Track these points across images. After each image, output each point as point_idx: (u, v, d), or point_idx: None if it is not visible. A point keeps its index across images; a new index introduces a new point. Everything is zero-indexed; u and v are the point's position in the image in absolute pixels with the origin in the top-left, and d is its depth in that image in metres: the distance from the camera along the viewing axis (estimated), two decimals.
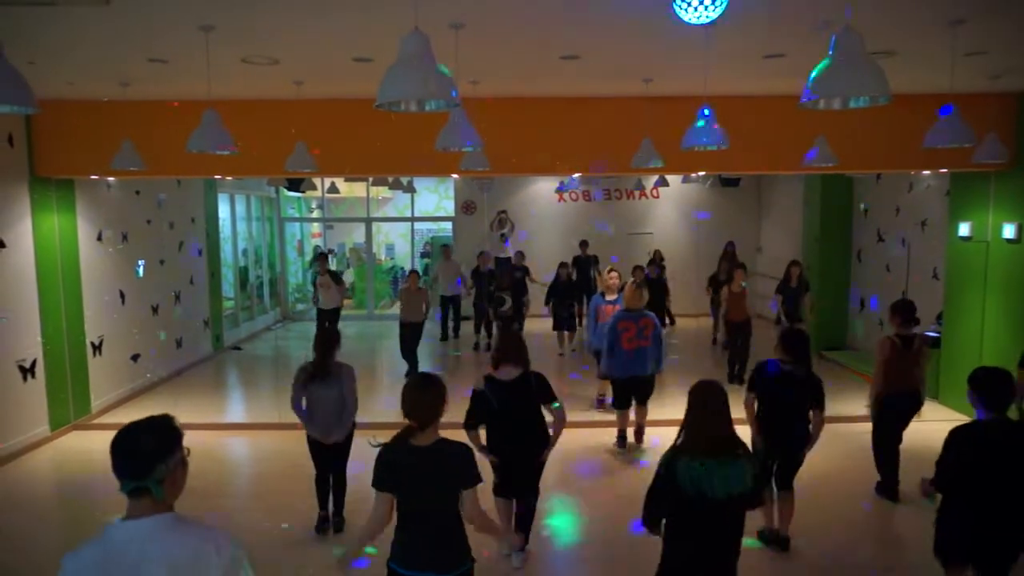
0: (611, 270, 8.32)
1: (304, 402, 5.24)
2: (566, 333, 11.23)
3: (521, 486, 4.82)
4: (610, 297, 8.04)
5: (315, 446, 5.30)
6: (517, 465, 4.72)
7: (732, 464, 3.17)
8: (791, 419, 4.92)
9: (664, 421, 7.03)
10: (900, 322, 5.86)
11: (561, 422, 4.72)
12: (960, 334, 8.12)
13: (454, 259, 12.18)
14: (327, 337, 5.32)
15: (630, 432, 7.29)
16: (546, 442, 4.75)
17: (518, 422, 4.65)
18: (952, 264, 8.35)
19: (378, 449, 3.15)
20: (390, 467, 3.07)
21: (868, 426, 6.14)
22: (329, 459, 5.33)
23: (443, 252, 12.40)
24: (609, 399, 8.77)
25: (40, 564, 5.09)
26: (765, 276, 14.06)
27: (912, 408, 5.88)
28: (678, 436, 3.30)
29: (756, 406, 4.98)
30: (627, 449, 7.20)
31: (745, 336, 9.45)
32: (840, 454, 6.90)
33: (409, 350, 9.85)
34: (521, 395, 4.62)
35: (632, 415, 7.22)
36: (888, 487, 6.02)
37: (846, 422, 7.53)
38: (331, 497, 5.45)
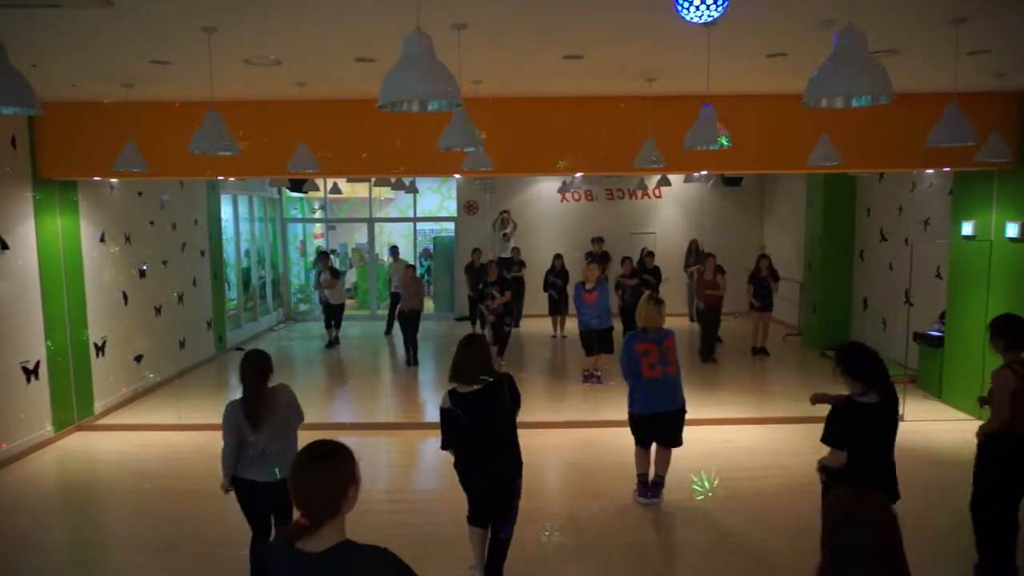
0: (591, 262, 9.60)
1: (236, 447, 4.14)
2: (557, 317, 12.88)
3: (496, 512, 4.38)
4: (589, 286, 9.06)
5: (252, 494, 4.19)
6: (492, 488, 4.32)
7: None
8: (881, 467, 3.86)
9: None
10: (1005, 346, 4.35)
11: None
12: (963, 333, 8.10)
13: (402, 259, 13.20)
14: (258, 363, 4.13)
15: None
16: (521, 462, 4.37)
17: (493, 437, 4.21)
18: (955, 263, 8.33)
19: None
20: None
21: None
22: (268, 512, 4.24)
23: (392, 252, 13.49)
24: (597, 373, 9.28)
25: (44, 566, 5.11)
26: None
27: None
28: None
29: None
30: (655, 498, 5.85)
31: (714, 319, 10.79)
32: None
33: (409, 335, 10.86)
34: (494, 405, 4.17)
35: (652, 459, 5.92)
36: (994, 569, 4.43)
37: None
38: None
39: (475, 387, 4.16)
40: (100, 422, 8.23)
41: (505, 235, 14.92)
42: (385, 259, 17.66)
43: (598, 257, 13.36)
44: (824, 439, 3.83)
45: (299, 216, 16.72)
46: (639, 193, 15.16)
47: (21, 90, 3.05)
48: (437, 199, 16.65)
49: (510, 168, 7.53)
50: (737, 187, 14.85)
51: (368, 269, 15.94)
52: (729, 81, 6.41)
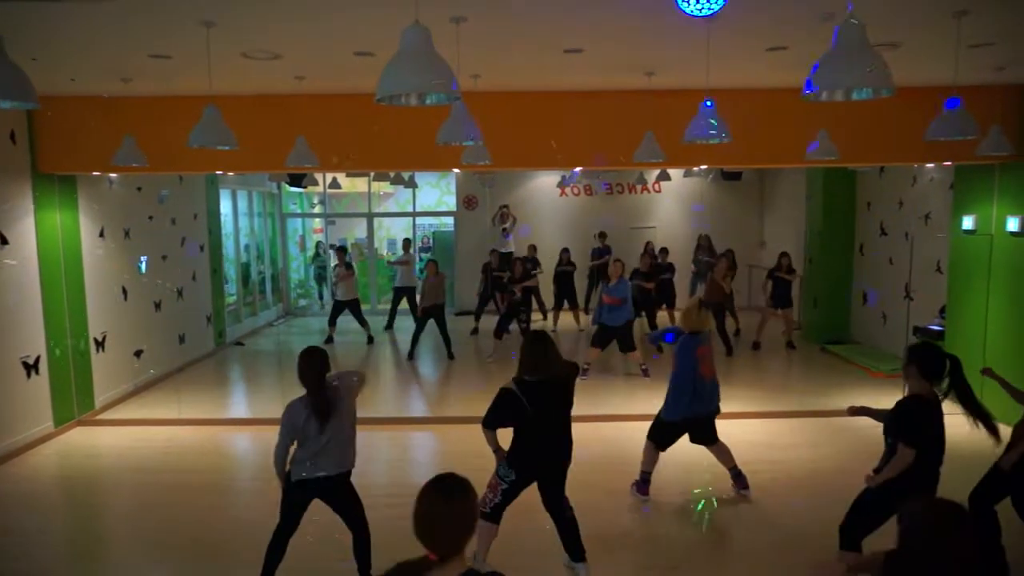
0: (616, 260, 9.61)
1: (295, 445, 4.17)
2: (560, 311, 12.96)
3: (548, 502, 4.50)
4: (612, 284, 9.22)
5: (308, 494, 4.22)
6: (550, 469, 4.43)
7: None
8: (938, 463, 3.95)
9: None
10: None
11: None
12: (963, 328, 8.10)
13: (412, 253, 13.33)
14: (317, 360, 4.11)
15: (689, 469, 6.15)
16: (571, 449, 4.49)
17: (555, 427, 4.33)
18: (956, 258, 8.32)
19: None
20: None
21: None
22: (304, 509, 4.28)
23: (404, 245, 13.37)
24: (588, 368, 9.39)
25: (45, 561, 5.12)
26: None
27: None
28: None
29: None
30: (745, 490, 5.86)
31: (721, 316, 10.77)
32: (847, 452, 6.90)
33: (421, 325, 10.93)
34: (560, 395, 4.32)
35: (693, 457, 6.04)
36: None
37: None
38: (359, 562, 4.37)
39: (541, 377, 4.23)
40: (100, 417, 8.24)
41: (504, 229, 14.91)
42: (386, 252, 17.68)
43: (603, 252, 13.53)
44: (898, 435, 3.80)
45: (298, 211, 16.72)
46: (638, 188, 15.15)
47: (20, 84, 3.05)
48: (436, 194, 16.64)
49: (509, 162, 7.52)
50: (737, 181, 14.86)
51: (368, 264, 15.93)
52: (729, 75, 6.39)
